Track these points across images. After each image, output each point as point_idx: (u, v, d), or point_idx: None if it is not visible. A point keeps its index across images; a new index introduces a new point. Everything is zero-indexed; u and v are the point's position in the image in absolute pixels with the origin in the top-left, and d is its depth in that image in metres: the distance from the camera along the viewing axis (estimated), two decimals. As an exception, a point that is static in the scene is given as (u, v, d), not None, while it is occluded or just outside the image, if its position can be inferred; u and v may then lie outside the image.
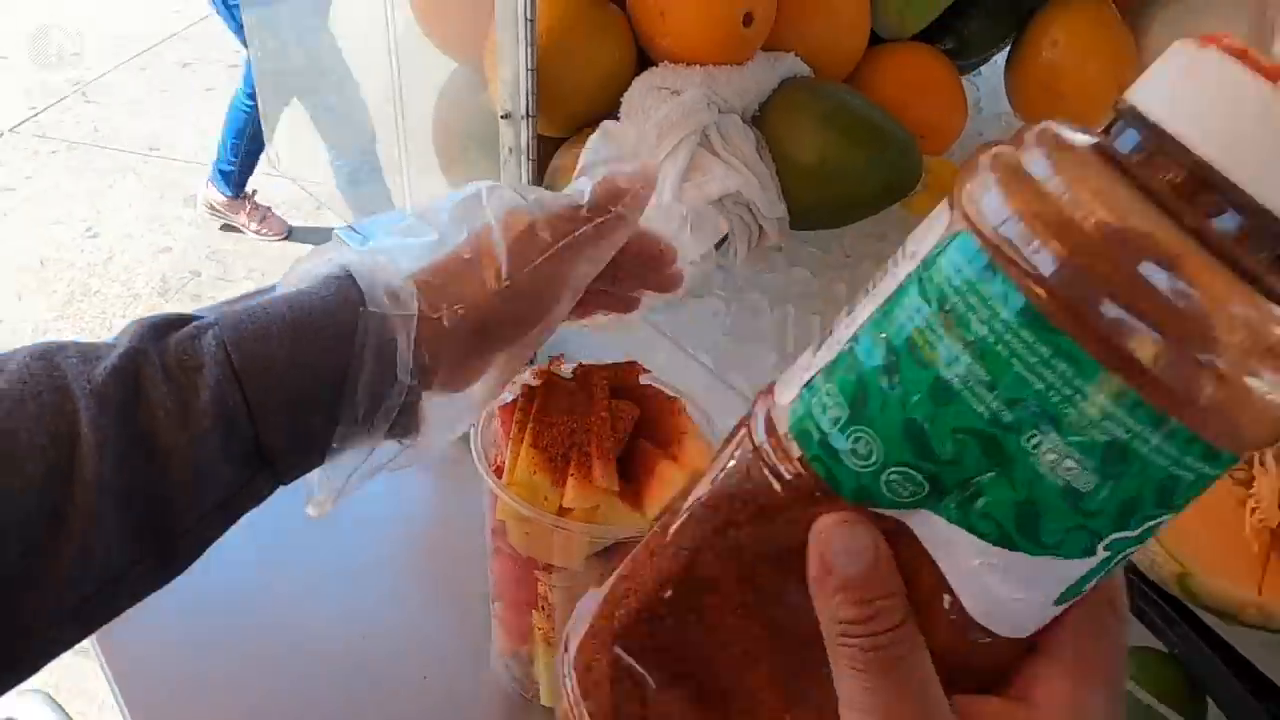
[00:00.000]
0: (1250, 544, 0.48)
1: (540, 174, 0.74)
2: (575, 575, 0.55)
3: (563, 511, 0.52)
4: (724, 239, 0.71)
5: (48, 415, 0.32)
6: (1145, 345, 0.19)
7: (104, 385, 0.34)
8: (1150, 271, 0.19)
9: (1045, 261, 0.19)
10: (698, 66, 0.70)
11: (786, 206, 0.73)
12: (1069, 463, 0.20)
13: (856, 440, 0.22)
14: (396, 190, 0.91)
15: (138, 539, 0.35)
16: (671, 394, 0.58)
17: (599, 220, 0.40)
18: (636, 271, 0.45)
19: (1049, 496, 0.21)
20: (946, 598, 0.23)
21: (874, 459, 0.22)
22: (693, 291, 0.75)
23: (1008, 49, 0.91)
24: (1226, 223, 0.19)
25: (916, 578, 0.23)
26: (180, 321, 0.37)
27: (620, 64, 0.72)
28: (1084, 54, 0.85)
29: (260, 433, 0.36)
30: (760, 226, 0.72)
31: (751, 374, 0.67)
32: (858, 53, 0.82)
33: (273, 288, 0.40)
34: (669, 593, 0.26)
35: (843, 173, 0.72)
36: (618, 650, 0.27)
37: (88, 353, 0.35)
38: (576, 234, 0.40)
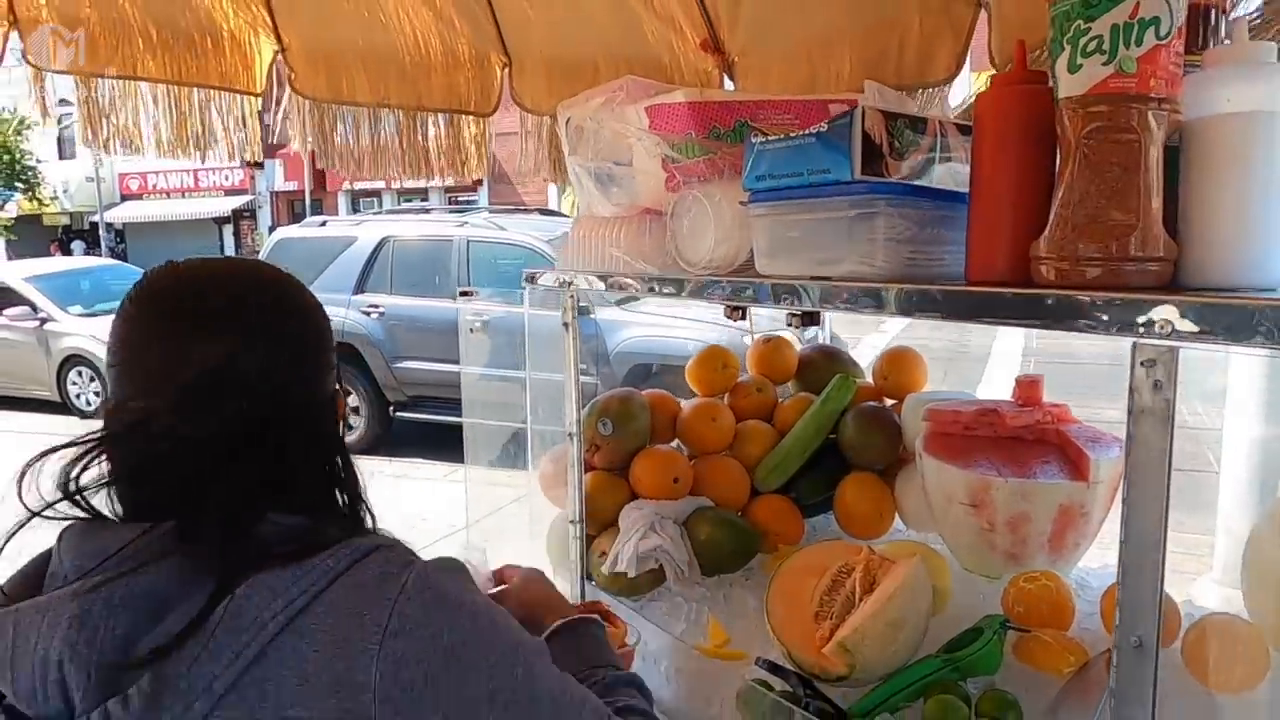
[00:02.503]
0: (814, 634, 1.23)
1: (586, 550, 1.64)
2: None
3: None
4: (664, 577, 1.57)
5: None
6: None
7: None
8: None
9: None
10: (653, 501, 1.63)
11: (697, 560, 1.59)
12: None
13: None
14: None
15: None
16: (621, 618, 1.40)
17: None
18: None
19: None
20: None
21: None
22: (651, 599, 1.58)
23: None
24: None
25: None
26: None
27: (621, 499, 1.66)
28: (862, 498, 1.71)
29: None
30: (683, 570, 1.58)
31: (674, 626, 1.48)
32: (743, 499, 1.72)
33: None
34: None
35: (720, 546, 1.59)
36: None
37: None
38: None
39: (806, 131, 1.02)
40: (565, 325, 1.57)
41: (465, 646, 0.73)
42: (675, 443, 1.83)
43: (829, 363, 1.93)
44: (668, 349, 6.40)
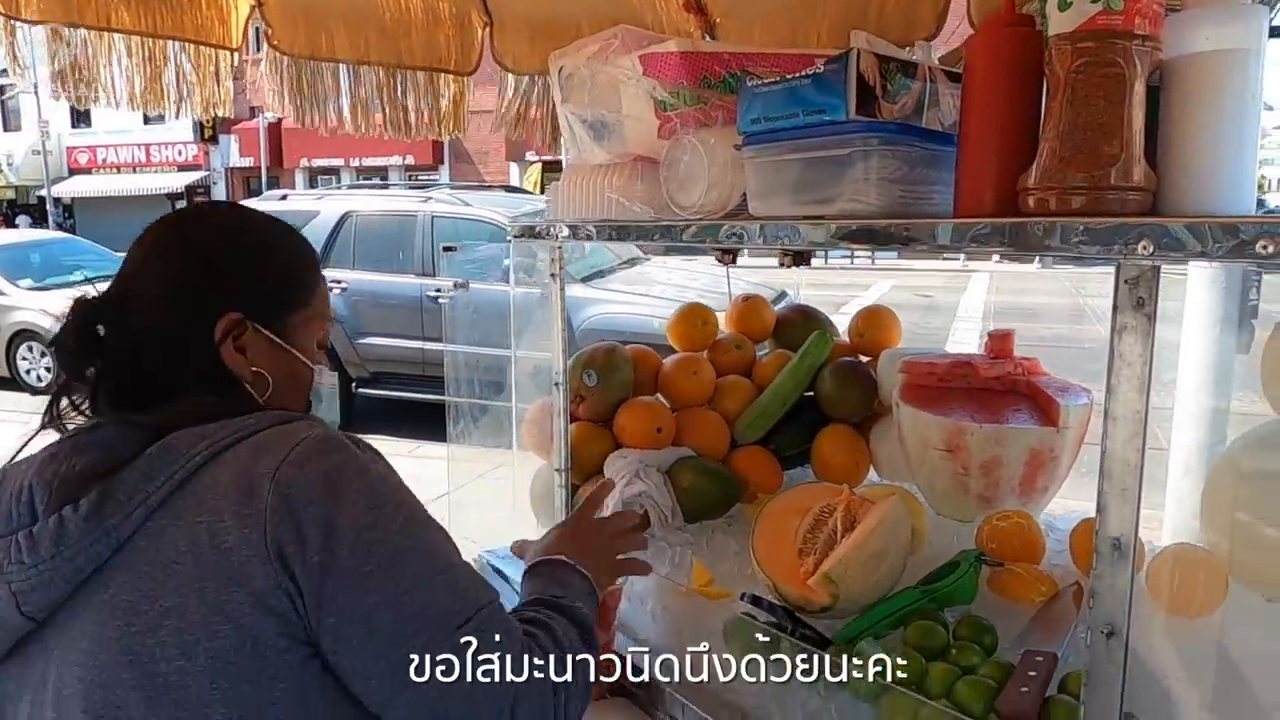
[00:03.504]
0: (798, 568, 1.27)
1: (570, 497, 1.67)
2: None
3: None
4: (648, 522, 1.61)
5: None
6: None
7: None
8: None
9: None
10: (637, 450, 1.66)
11: (680, 507, 1.63)
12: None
13: None
14: (511, 524, 1.85)
15: None
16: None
17: None
18: None
19: None
20: None
21: None
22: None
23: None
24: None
25: None
26: None
27: (605, 449, 1.69)
28: (838, 450, 1.76)
29: None
30: (666, 515, 1.61)
31: (659, 569, 1.52)
32: (723, 450, 1.77)
33: None
34: None
35: (702, 493, 1.64)
36: None
37: None
38: None
39: (802, 73, 1.05)
40: (553, 276, 1.59)
41: (343, 483, 0.83)
42: (657, 396, 1.86)
43: (806, 321, 1.98)
44: (634, 325, 6.41)
